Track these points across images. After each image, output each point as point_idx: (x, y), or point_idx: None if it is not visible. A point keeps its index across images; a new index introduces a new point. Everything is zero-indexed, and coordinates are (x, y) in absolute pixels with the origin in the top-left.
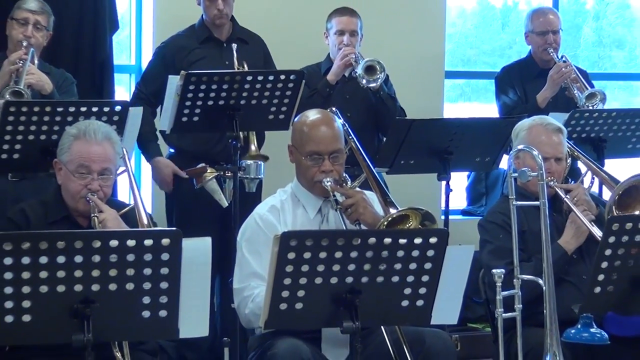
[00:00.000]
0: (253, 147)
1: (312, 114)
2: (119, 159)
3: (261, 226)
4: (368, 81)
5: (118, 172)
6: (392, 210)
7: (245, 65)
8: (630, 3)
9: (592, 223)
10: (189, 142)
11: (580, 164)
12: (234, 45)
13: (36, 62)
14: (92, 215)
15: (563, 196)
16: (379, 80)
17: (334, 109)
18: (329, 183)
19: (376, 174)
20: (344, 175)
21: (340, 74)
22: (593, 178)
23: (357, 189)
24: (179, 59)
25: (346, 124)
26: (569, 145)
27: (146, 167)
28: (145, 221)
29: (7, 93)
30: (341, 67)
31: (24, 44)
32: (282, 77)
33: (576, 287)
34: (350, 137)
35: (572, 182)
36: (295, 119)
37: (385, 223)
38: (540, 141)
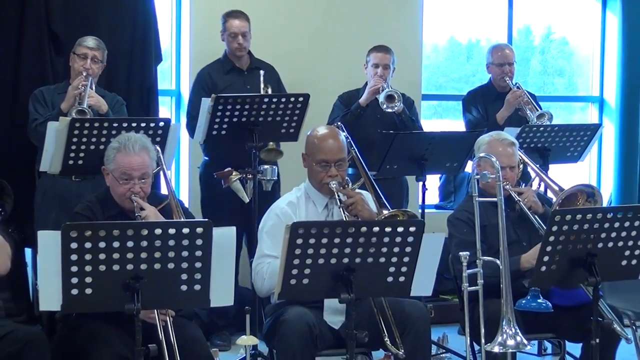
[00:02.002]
0: (271, 143)
1: (322, 130)
2: (154, 162)
3: (281, 217)
4: (388, 106)
5: (154, 170)
6: (385, 212)
7: (270, 88)
8: (569, 40)
9: (536, 217)
10: (219, 152)
11: (529, 169)
12: (262, 72)
13: (94, 87)
14: (136, 214)
15: (516, 198)
16: (396, 107)
17: (339, 123)
18: (334, 185)
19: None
20: (346, 178)
21: (370, 99)
22: (540, 182)
23: (357, 190)
24: (212, 85)
25: (349, 137)
26: (521, 154)
27: (184, 170)
28: (179, 213)
29: (73, 112)
30: (370, 93)
31: (84, 73)
32: (292, 99)
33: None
34: (352, 148)
35: (524, 185)
36: (308, 133)
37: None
38: (498, 152)
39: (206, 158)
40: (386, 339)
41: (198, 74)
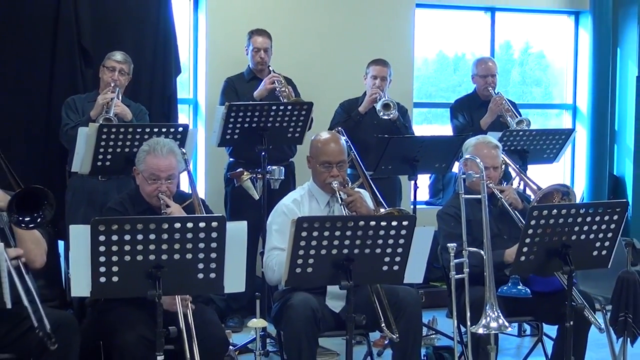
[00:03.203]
0: (293, 95)
1: (324, 134)
2: (181, 164)
3: (286, 213)
4: (384, 114)
5: (181, 172)
6: (382, 210)
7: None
8: (545, 54)
9: (516, 213)
10: (239, 155)
11: (510, 169)
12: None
13: (120, 97)
14: (162, 211)
15: (498, 195)
16: (392, 115)
17: (339, 128)
18: (336, 184)
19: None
20: (347, 178)
21: (368, 107)
22: (520, 181)
23: (356, 189)
24: (234, 90)
25: (349, 141)
26: (503, 156)
27: (201, 169)
28: (200, 210)
29: (101, 119)
30: (369, 102)
31: (112, 84)
32: (297, 106)
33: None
34: (351, 151)
35: (505, 183)
36: (312, 137)
37: None
38: (483, 154)
39: (231, 160)
40: (382, 324)
41: (224, 81)
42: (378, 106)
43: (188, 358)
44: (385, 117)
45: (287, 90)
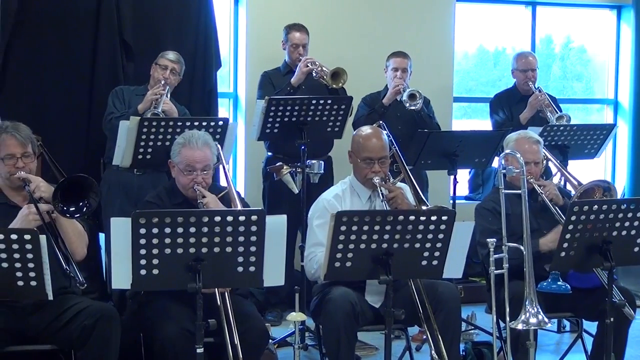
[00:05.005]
0: (329, 71)
1: (366, 129)
2: (215, 156)
3: (327, 208)
4: (410, 105)
5: (215, 164)
6: (424, 207)
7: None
8: (586, 48)
9: (557, 208)
10: (276, 149)
11: (551, 165)
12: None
13: (169, 96)
14: (199, 201)
15: (539, 190)
16: (418, 105)
17: (381, 122)
18: (377, 180)
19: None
20: (388, 173)
21: (392, 98)
22: (561, 176)
23: (398, 184)
24: (271, 84)
25: (390, 136)
26: (544, 151)
27: (240, 163)
28: (237, 201)
29: (148, 114)
30: (393, 94)
31: (162, 82)
32: (337, 101)
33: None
34: (393, 146)
35: (545, 179)
36: (354, 132)
37: None
38: (524, 149)
39: (269, 154)
40: (421, 319)
41: (261, 76)
42: (404, 97)
43: (230, 350)
44: (413, 108)
45: (322, 68)
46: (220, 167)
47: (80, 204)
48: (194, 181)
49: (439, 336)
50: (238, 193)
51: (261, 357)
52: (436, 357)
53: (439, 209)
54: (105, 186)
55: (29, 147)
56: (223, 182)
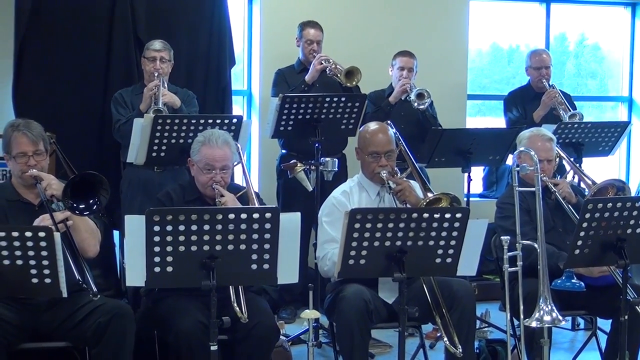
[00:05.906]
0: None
1: (372, 125)
2: (235, 155)
3: (336, 205)
4: (418, 104)
5: (234, 164)
6: (429, 195)
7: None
8: (600, 46)
9: (569, 206)
10: (290, 147)
11: (565, 163)
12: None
13: (166, 85)
14: (217, 199)
15: (552, 188)
16: (426, 104)
17: (389, 121)
18: (385, 174)
19: (418, 168)
20: (395, 168)
21: (399, 97)
22: (574, 174)
23: (405, 178)
24: (285, 81)
25: (397, 132)
26: (557, 149)
27: (254, 161)
28: (255, 201)
29: (151, 112)
30: (399, 92)
31: (156, 74)
32: (351, 98)
33: (561, 250)
34: (400, 141)
35: (559, 177)
36: (360, 129)
37: (424, 203)
38: (537, 147)
39: (284, 151)
40: (436, 317)
41: (275, 73)
42: (412, 96)
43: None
44: (421, 107)
45: (336, 66)
46: (240, 166)
47: (91, 201)
48: (212, 180)
49: (454, 332)
50: (257, 193)
51: (275, 355)
52: (451, 346)
53: (447, 198)
54: (125, 184)
55: (40, 144)
56: (240, 181)
